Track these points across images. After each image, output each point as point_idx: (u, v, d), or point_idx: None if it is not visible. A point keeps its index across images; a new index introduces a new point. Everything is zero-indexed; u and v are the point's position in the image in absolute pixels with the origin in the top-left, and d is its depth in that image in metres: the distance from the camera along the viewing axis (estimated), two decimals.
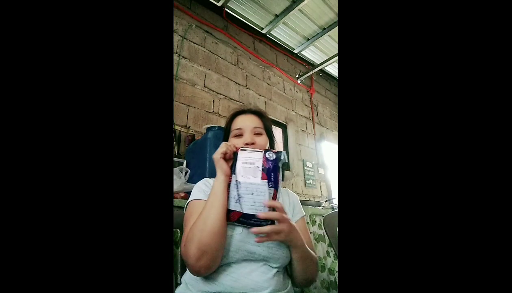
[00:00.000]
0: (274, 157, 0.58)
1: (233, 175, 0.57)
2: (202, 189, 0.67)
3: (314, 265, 0.64)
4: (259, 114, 0.76)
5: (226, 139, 0.75)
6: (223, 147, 0.61)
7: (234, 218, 0.55)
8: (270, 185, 0.55)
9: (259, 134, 0.71)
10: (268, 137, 0.75)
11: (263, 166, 0.56)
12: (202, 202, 0.62)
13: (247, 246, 0.58)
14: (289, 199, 0.75)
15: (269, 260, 0.59)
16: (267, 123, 0.76)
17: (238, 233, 0.59)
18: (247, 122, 0.72)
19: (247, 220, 0.55)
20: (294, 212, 0.72)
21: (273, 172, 0.56)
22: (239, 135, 0.70)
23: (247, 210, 0.54)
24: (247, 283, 0.56)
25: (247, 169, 0.57)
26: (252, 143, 0.67)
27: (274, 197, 0.55)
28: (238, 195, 0.55)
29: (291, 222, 0.57)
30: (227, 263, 0.58)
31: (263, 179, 0.55)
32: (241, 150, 0.61)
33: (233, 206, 0.55)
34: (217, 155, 0.60)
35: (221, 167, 0.59)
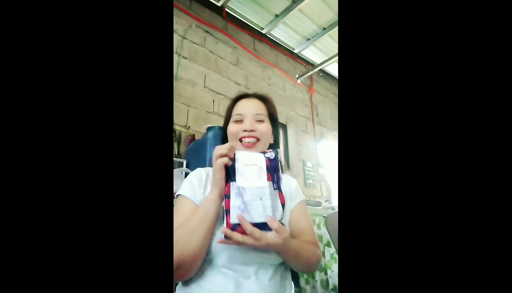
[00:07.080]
0: (274, 156, 0.53)
1: (232, 182, 0.49)
2: (192, 185, 0.60)
3: (312, 256, 0.58)
4: (264, 99, 0.70)
5: (226, 124, 0.69)
6: (224, 149, 0.50)
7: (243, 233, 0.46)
8: (275, 187, 0.50)
9: (260, 121, 0.65)
10: (272, 126, 0.68)
11: (267, 166, 0.51)
12: (188, 202, 0.57)
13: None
14: (288, 184, 0.70)
15: (264, 254, 0.54)
16: (272, 110, 0.70)
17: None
18: (248, 108, 0.66)
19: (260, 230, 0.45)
20: (292, 197, 0.67)
21: (276, 172, 0.51)
22: (239, 121, 0.65)
23: (258, 219, 0.46)
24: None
25: (250, 171, 0.49)
26: (252, 131, 0.62)
27: (282, 200, 0.50)
28: (244, 203, 0.46)
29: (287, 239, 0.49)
30: (216, 268, 0.53)
31: (268, 181, 0.49)
32: (238, 151, 0.53)
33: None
34: (218, 160, 0.50)
35: (219, 179, 0.51)
